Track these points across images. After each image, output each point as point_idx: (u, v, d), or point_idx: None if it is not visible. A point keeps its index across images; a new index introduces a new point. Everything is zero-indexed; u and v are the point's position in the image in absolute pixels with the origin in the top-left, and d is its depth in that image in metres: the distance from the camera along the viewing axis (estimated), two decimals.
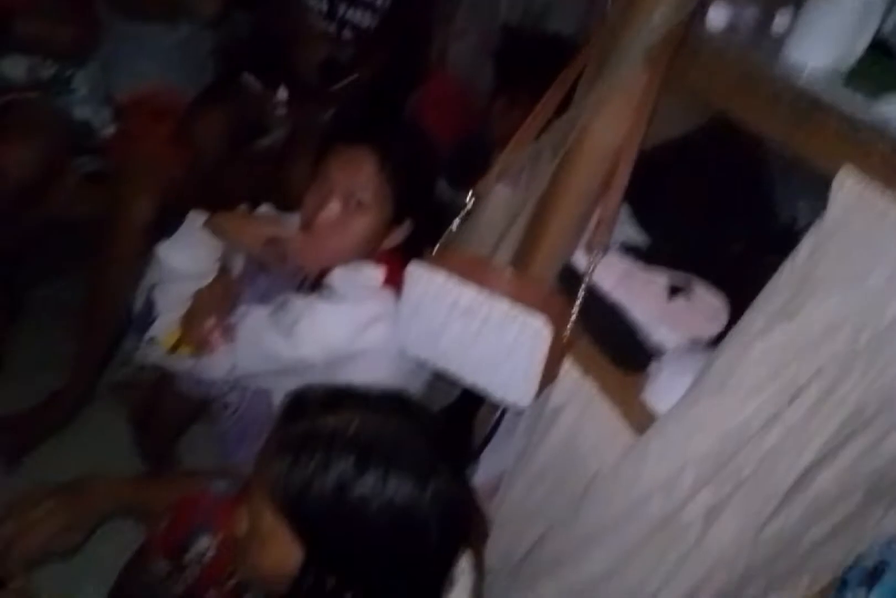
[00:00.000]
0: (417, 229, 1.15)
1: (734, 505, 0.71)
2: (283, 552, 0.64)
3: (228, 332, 1.09)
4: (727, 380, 0.70)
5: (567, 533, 0.85)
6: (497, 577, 0.98)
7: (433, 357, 1.04)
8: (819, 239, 0.67)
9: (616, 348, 0.96)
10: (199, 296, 1.11)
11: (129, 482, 0.92)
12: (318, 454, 0.61)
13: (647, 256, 1.01)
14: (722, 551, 0.73)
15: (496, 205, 0.99)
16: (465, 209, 1.02)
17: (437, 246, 1.09)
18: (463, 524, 0.67)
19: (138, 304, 1.14)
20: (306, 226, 1.09)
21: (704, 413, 0.71)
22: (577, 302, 0.95)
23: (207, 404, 1.30)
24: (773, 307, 0.69)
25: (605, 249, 0.95)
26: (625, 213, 1.05)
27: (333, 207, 1.06)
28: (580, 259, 0.98)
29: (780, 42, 0.79)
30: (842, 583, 0.83)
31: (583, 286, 0.95)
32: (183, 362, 1.12)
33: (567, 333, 0.96)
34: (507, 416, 1.20)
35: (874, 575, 0.80)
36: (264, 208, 1.24)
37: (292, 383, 0.73)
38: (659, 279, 0.96)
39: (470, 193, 1.05)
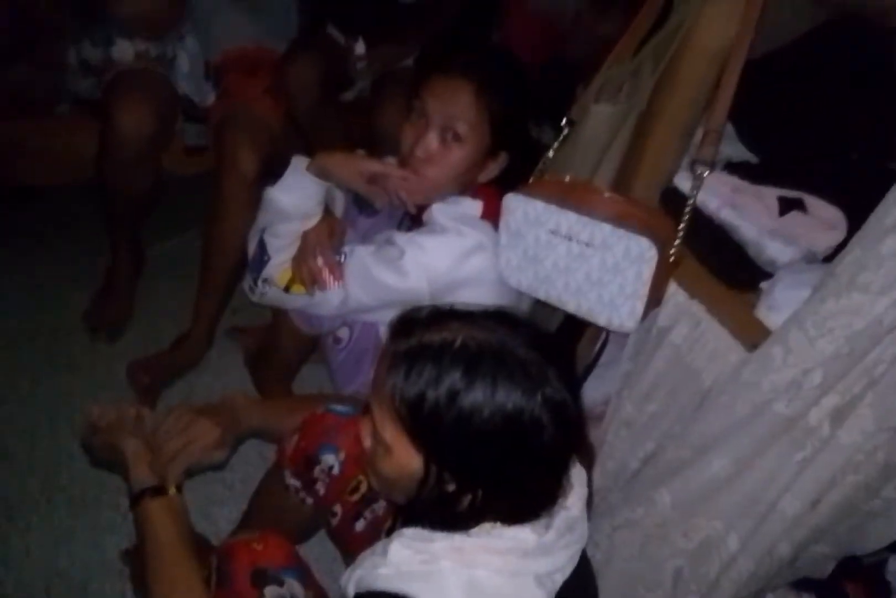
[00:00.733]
0: (513, 162, 1.15)
1: (865, 405, 0.70)
2: (405, 459, 0.68)
3: (337, 269, 1.14)
4: (856, 278, 0.67)
5: (681, 445, 0.85)
6: (607, 496, 1.00)
7: (535, 284, 1.05)
8: None
9: (726, 267, 0.93)
10: (307, 236, 1.16)
11: (262, 404, 1.00)
12: (427, 368, 0.64)
13: (754, 173, 0.97)
14: (851, 452, 0.71)
15: (595, 125, 0.97)
16: (562, 135, 1.01)
17: (534, 174, 1.09)
18: (574, 426, 0.68)
19: (251, 248, 1.20)
20: (404, 160, 1.11)
21: (831, 315, 0.69)
22: (683, 222, 0.93)
23: (317, 344, 1.37)
24: None
25: (712, 167, 0.92)
26: (730, 131, 1.01)
27: (431, 140, 1.07)
28: (684, 179, 0.96)
29: None
30: None
31: (689, 206, 0.93)
32: (296, 300, 1.18)
33: (673, 254, 0.94)
34: (608, 348, 1.20)
35: None
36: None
37: None
38: (769, 195, 0.92)
39: (565, 119, 1.04)
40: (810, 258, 0.89)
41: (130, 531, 1.11)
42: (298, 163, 1.15)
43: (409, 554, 0.68)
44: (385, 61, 1.71)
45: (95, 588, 1.21)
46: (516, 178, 1.11)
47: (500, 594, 0.66)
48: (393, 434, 0.67)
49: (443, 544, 0.68)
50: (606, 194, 0.97)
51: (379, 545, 0.71)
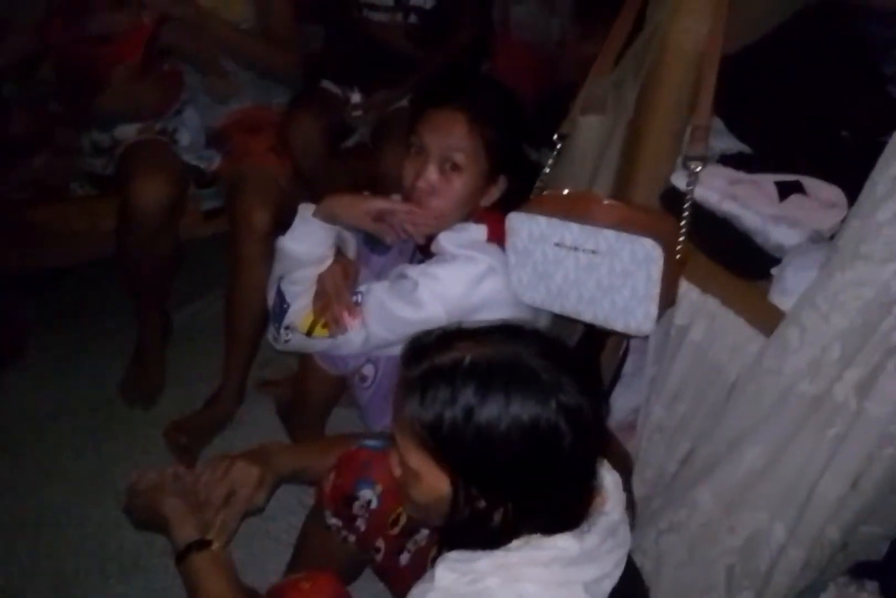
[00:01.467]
0: (513, 184, 1.17)
1: (888, 374, 0.68)
2: (434, 482, 0.68)
3: (355, 308, 1.16)
4: (858, 249, 0.67)
5: (714, 440, 0.83)
6: (650, 503, 0.98)
7: (549, 299, 1.05)
8: None
9: (735, 258, 0.94)
10: (322, 279, 1.19)
11: (294, 447, 1.00)
12: (441, 389, 0.65)
13: (750, 163, 0.98)
14: (883, 424, 0.69)
15: (586, 137, 1.00)
16: (555, 150, 1.03)
17: (533, 192, 1.11)
18: (594, 431, 0.67)
19: (271, 297, 1.23)
20: (408, 195, 1.14)
21: (840, 288, 0.69)
22: (684, 219, 0.94)
23: (345, 385, 1.38)
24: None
25: (704, 161, 0.93)
26: (721, 125, 1.03)
27: (431, 172, 1.11)
28: (680, 177, 0.97)
29: None
30: None
31: (687, 202, 0.94)
32: (320, 344, 1.20)
33: (679, 252, 0.95)
34: (631, 357, 1.19)
35: None
36: None
37: None
38: (767, 182, 0.93)
39: (556, 135, 1.06)
40: (817, 238, 0.88)
41: (182, 593, 1.11)
42: (305, 210, 1.18)
43: (455, 577, 0.68)
44: (382, 106, 1.78)
45: None
46: (518, 199, 1.13)
47: None
48: (418, 460, 0.68)
49: (486, 561, 0.67)
50: (606, 202, 0.99)
51: (427, 574, 0.70)
